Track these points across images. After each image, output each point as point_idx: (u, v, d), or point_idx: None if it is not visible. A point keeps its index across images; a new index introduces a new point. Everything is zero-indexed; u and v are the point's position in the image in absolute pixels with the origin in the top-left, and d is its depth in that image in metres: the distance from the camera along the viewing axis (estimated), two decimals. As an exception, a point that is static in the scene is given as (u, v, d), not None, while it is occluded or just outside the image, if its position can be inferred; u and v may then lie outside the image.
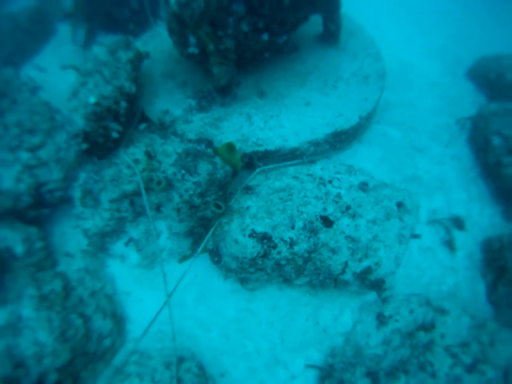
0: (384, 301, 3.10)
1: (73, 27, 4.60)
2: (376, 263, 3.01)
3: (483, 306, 3.38)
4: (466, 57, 5.05)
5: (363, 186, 3.20)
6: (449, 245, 3.53)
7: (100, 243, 3.25)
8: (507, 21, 5.55)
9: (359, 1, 5.36)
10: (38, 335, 2.68)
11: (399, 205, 3.25)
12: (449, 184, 3.83)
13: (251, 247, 2.84)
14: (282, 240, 2.85)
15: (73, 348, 2.72)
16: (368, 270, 3.00)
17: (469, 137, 4.17)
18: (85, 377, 2.82)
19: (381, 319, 2.99)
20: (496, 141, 3.91)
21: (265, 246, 2.83)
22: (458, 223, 3.64)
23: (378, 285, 3.10)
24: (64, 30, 5.16)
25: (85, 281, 3.16)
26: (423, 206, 3.61)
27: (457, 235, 3.61)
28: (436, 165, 3.90)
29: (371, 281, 3.06)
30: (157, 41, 4.10)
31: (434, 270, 3.43)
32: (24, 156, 3.32)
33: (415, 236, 3.36)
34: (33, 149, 3.38)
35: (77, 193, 3.24)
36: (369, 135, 3.93)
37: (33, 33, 5.32)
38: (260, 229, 2.87)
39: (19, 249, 3.19)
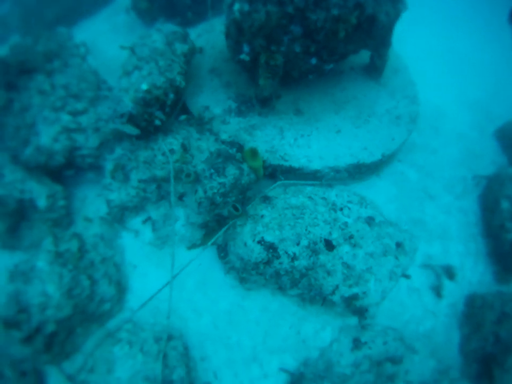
0: (363, 327, 3.34)
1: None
2: (364, 292, 3.26)
3: (453, 355, 3.56)
4: (498, 114, 5.14)
5: (369, 220, 3.43)
6: (437, 290, 3.74)
7: (119, 215, 3.52)
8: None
9: (409, 39, 5.44)
10: (46, 287, 2.90)
11: (398, 244, 3.47)
12: (450, 234, 4.02)
13: (257, 253, 3.10)
14: (286, 253, 3.11)
15: (75, 305, 2.96)
16: (355, 297, 3.24)
17: (481, 195, 4.33)
18: (78, 333, 3.07)
19: (356, 343, 3.24)
20: (505, 204, 4.07)
21: (270, 255, 3.10)
22: (449, 272, 3.84)
23: (361, 312, 3.35)
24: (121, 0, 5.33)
25: (99, 247, 3.41)
26: (420, 249, 3.81)
27: (446, 283, 3.81)
28: (442, 214, 4.08)
29: (355, 307, 3.31)
30: (211, 36, 4.30)
31: (416, 310, 3.62)
32: (65, 118, 3.56)
33: (406, 276, 3.58)
34: (75, 114, 3.62)
35: (108, 165, 3.50)
36: (389, 171, 4.12)
37: (93, -5, 5.47)
38: (269, 238, 3.13)
39: (42, 203, 3.44)
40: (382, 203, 3.88)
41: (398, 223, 3.75)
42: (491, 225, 4.14)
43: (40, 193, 3.47)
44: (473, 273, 3.98)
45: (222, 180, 3.12)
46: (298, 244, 3.13)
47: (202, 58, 4.07)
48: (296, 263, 3.10)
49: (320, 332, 3.35)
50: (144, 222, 3.51)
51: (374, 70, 4.13)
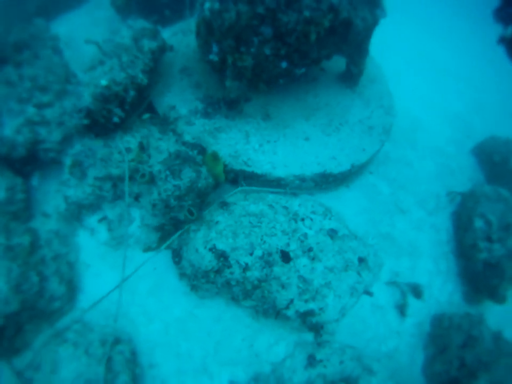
0: (320, 344, 3.21)
1: None
2: (321, 308, 3.12)
3: (416, 376, 3.49)
4: (478, 129, 5.05)
5: (332, 233, 3.30)
6: (401, 309, 3.62)
7: (76, 212, 3.41)
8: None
9: (390, 48, 5.34)
10: (-5, 281, 2.80)
11: (361, 260, 3.34)
12: (419, 251, 3.90)
13: (208, 260, 2.99)
14: (238, 262, 2.98)
15: (24, 300, 2.86)
16: (311, 313, 3.11)
17: (454, 212, 4.22)
18: (27, 330, 2.98)
19: (311, 361, 3.11)
20: (479, 223, 3.96)
21: (220, 264, 2.98)
22: (416, 291, 3.72)
23: (316, 329, 3.21)
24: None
25: (53, 243, 3.29)
26: (387, 266, 3.69)
27: (413, 302, 3.68)
28: (413, 229, 3.97)
29: (311, 323, 3.18)
30: (187, 35, 4.19)
31: (379, 328, 3.51)
32: (30, 110, 3.45)
33: (368, 293, 3.45)
34: (40, 106, 3.50)
35: (67, 161, 3.39)
36: (359, 183, 4.00)
37: (73, -11, 5.38)
38: (221, 246, 3.01)
39: (1, 195, 3.32)
40: (351, 215, 3.75)
41: (364, 237, 3.63)
42: (463, 244, 4.04)
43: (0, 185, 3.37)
44: (442, 292, 3.88)
45: (177, 182, 3.00)
46: (251, 254, 3.01)
47: (175, 57, 3.96)
48: (248, 273, 2.97)
49: (274, 346, 3.22)
50: (100, 220, 3.39)
51: (350, 78, 4.02)
